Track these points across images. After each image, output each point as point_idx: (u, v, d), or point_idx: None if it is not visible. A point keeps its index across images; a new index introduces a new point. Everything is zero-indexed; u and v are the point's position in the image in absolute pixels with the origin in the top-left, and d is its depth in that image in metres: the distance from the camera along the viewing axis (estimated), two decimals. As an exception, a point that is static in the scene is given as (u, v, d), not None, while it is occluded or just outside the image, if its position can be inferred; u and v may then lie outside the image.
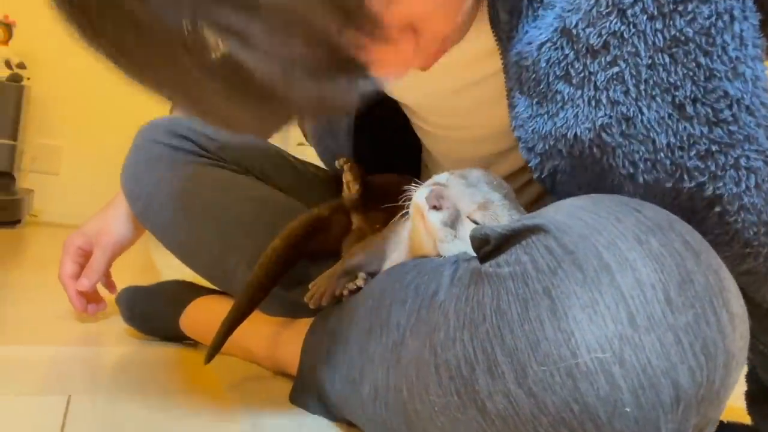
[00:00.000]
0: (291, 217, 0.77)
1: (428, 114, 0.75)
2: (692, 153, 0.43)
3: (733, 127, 0.43)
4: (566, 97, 0.46)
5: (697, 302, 0.37)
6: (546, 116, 0.48)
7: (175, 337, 0.81)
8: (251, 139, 0.90)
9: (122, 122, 2.16)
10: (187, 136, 0.83)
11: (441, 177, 0.55)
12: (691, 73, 0.42)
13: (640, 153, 0.45)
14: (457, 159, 0.79)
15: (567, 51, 0.45)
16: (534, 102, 0.49)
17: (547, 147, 0.49)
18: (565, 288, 0.38)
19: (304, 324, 0.71)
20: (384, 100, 0.80)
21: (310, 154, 1.06)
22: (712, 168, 0.43)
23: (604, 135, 0.45)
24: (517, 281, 0.40)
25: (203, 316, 0.79)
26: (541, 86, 0.48)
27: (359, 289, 0.64)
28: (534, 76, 0.48)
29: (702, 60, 0.41)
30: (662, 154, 0.44)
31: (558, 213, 0.42)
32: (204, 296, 0.81)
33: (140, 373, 0.70)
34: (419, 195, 0.53)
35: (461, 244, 0.51)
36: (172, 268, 0.80)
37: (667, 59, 0.42)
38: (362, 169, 0.75)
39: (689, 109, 0.43)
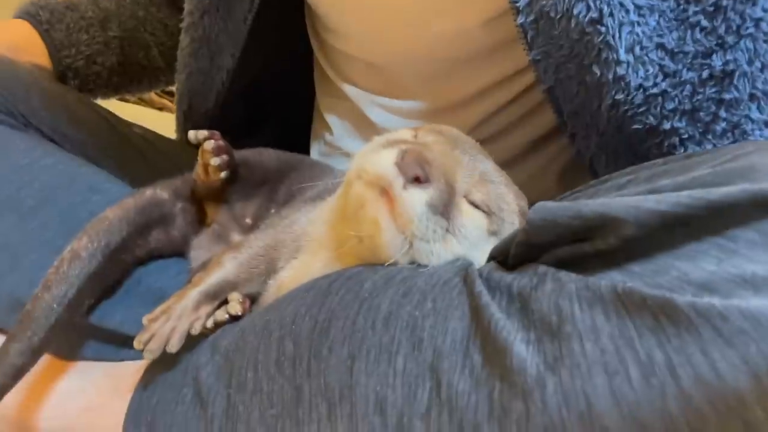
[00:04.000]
0: (104, 200, 0.50)
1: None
2: (698, 7, 0.38)
3: None
4: None
5: None
6: None
7: None
8: (32, 72, 0.58)
9: None
10: None
11: (402, 132, 0.34)
12: None
13: None
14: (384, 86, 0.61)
15: None
16: None
17: None
18: None
19: (131, 373, 0.44)
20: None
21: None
22: (721, 30, 0.38)
23: None
24: None
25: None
26: None
27: (235, 320, 0.40)
28: None
29: None
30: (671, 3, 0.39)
31: None
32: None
33: None
34: (383, 160, 0.31)
35: (457, 246, 0.33)
36: None
37: None
38: (230, 148, 0.50)
39: None
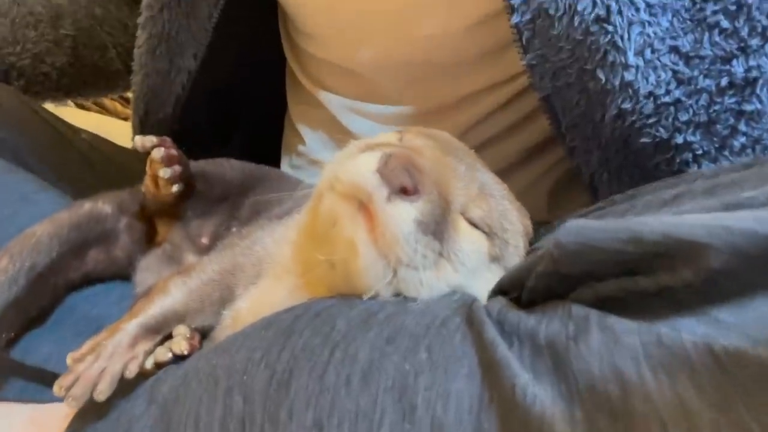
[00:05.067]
0: (37, 212, 0.44)
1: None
2: (717, 6, 0.35)
3: None
4: None
5: None
6: None
7: None
8: None
9: None
10: None
11: (386, 135, 0.29)
12: None
13: None
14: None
15: None
16: None
17: None
18: None
19: (60, 417, 0.36)
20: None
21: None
22: (744, 32, 0.35)
23: None
24: None
25: None
26: None
27: (178, 360, 0.33)
28: None
29: None
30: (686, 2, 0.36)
31: None
32: None
33: None
34: (362, 166, 0.25)
35: (452, 274, 0.27)
36: None
37: None
38: (184, 158, 0.44)
39: None
